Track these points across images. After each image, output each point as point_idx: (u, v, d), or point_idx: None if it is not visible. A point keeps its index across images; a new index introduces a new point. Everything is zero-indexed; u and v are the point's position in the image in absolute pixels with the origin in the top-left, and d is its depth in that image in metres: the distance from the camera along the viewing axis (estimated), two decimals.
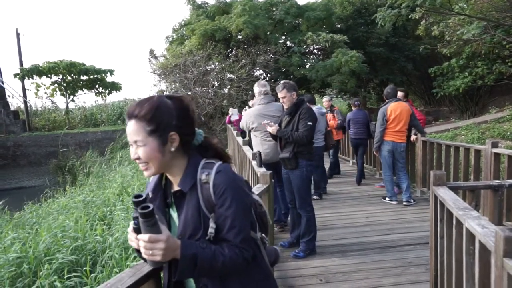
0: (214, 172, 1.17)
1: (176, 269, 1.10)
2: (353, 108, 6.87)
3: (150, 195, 1.26)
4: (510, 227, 3.33)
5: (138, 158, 1.16)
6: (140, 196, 1.05)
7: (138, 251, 1.20)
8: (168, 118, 1.15)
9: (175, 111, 1.17)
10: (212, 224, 1.16)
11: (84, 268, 3.64)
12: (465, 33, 8.91)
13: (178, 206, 1.22)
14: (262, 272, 1.29)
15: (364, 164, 7.18)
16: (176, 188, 1.23)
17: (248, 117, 4.25)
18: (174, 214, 1.24)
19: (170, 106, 1.17)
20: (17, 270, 3.71)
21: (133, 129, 1.15)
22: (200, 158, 1.24)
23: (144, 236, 1.04)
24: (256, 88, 4.27)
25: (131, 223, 1.11)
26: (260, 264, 1.29)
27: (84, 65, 17.50)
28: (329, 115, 6.82)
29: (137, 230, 1.07)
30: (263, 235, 1.37)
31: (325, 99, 7.02)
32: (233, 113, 9.27)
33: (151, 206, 1.02)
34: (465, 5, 9.60)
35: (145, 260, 1.27)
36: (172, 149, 1.17)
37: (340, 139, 7.61)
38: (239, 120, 8.83)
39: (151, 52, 16.27)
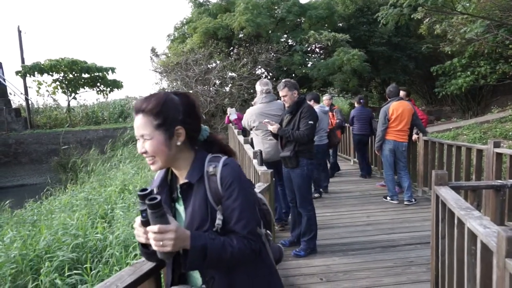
0: (221, 165, 1.20)
1: (185, 260, 1.11)
2: (357, 105, 6.87)
3: (155, 191, 1.27)
4: None
5: (145, 152, 1.19)
6: (145, 190, 1.07)
7: (143, 246, 1.21)
8: (174, 112, 1.18)
9: (181, 106, 1.20)
10: (219, 216, 1.18)
11: (85, 266, 3.64)
12: (467, 32, 8.88)
13: (185, 198, 1.23)
14: (267, 268, 1.31)
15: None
16: (182, 181, 1.25)
17: (250, 115, 4.24)
18: (180, 207, 1.26)
19: (176, 102, 1.20)
20: (18, 267, 3.71)
21: (140, 123, 1.17)
22: (206, 153, 1.27)
23: (154, 227, 1.05)
24: (258, 87, 4.26)
25: (137, 218, 1.13)
26: (265, 260, 1.31)
27: (85, 63, 17.52)
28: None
29: (145, 224, 1.09)
30: (268, 231, 1.39)
31: (325, 97, 7.02)
32: (231, 113, 9.28)
33: (159, 197, 1.04)
34: (467, 4, 9.56)
35: (147, 257, 1.28)
36: (178, 143, 1.20)
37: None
38: (237, 119, 8.85)
39: (153, 50, 16.30)
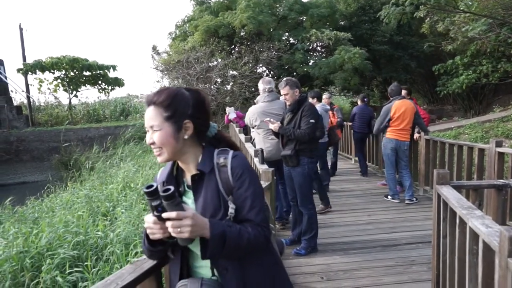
0: (230, 156, 1.26)
1: (205, 248, 1.13)
2: (360, 103, 6.87)
3: (159, 187, 1.27)
4: None
5: (153, 143, 1.23)
6: (151, 186, 1.10)
7: (151, 245, 1.21)
8: (184, 106, 1.23)
9: (191, 101, 1.25)
10: (231, 205, 1.21)
11: (86, 263, 3.64)
12: (470, 31, 8.85)
13: (196, 190, 1.26)
14: (272, 258, 1.35)
15: (367, 162, 7.20)
16: (190, 174, 1.27)
17: (252, 114, 4.23)
18: (188, 200, 1.29)
19: (187, 97, 1.25)
20: (18, 265, 3.71)
21: (151, 115, 1.22)
22: (213, 148, 1.31)
23: (172, 213, 1.08)
24: (261, 85, 4.24)
25: (148, 216, 1.14)
26: (271, 251, 1.35)
27: (87, 60, 17.50)
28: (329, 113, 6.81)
29: (160, 219, 1.11)
30: (271, 225, 1.42)
31: (325, 96, 7.01)
32: (230, 112, 9.23)
33: (172, 187, 1.08)
34: (470, 2, 9.52)
35: (150, 255, 1.29)
36: (186, 137, 1.23)
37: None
38: (237, 118, 8.83)
39: (154, 48, 16.28)
